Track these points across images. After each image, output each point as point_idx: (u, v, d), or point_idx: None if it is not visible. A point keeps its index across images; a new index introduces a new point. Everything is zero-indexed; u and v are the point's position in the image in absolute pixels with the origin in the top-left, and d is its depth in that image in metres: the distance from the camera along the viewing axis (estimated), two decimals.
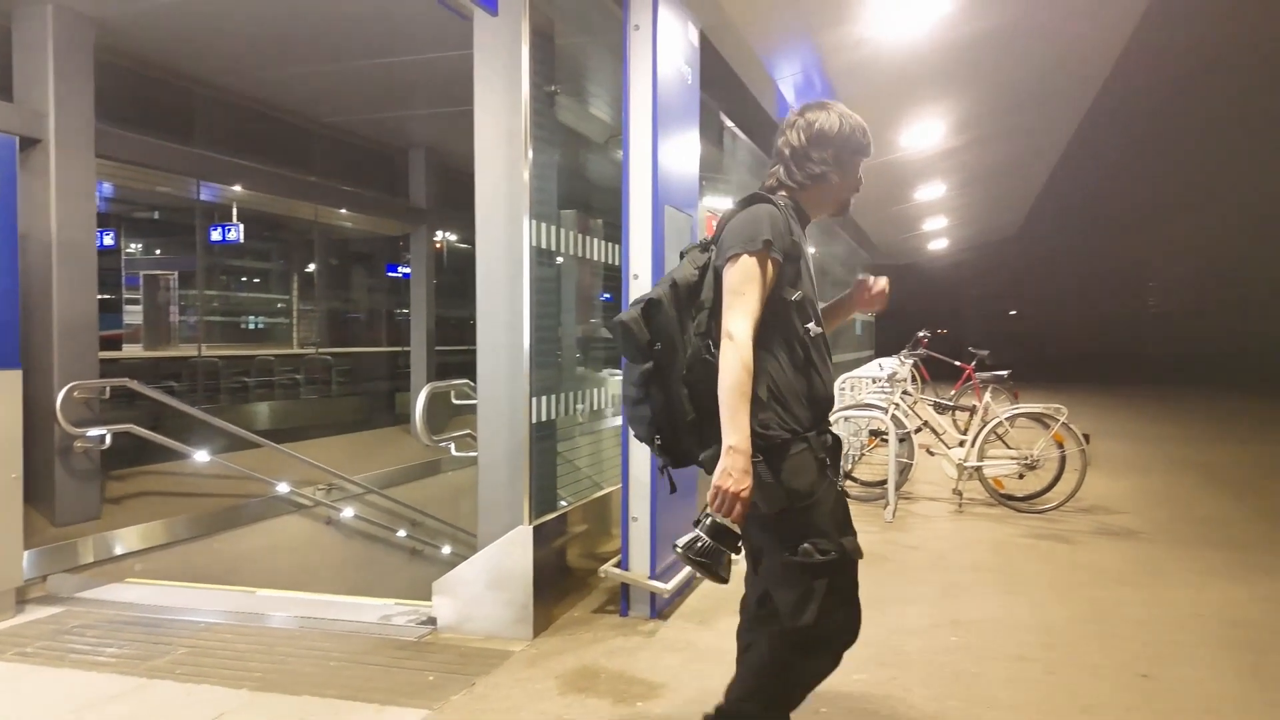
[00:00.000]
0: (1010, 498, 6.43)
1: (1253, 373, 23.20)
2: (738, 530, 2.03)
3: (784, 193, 2.34)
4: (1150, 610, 4.08)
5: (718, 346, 2.12)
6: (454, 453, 4.52)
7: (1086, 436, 6.14)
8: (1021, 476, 6.44)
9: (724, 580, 2.06)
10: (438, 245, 11.91)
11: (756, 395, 2.11)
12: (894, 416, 6.45)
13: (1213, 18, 29.58)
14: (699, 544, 2.01)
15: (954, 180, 12.26)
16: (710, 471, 2.13)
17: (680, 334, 2.20)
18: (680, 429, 2.24)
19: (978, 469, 6.45)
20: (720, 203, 7.92)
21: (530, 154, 3.76)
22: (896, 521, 6.08)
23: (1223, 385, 20.48)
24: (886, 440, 6.45)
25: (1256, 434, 11.69)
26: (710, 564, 2.01)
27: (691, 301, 2.21)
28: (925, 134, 9.36)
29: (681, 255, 2.35)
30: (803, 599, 2.18)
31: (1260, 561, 4.99)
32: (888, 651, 3.57)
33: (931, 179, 11.91)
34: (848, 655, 3.26)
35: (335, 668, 3.50)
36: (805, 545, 2.15)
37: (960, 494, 6.71)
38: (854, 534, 2.26)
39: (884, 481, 6.56)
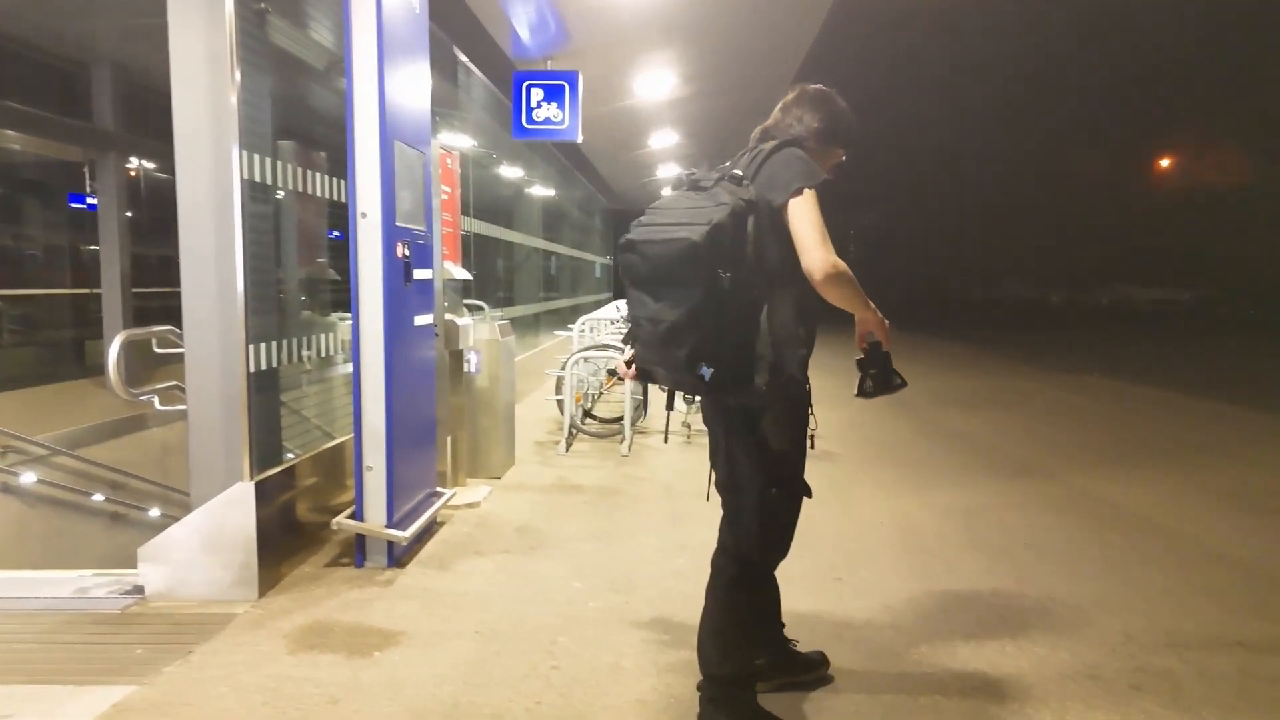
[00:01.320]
0: None
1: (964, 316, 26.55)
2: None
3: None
4: (841, 523, 4.63)
5: (764, 280, 2.21)
6: (159, 407, 4.08)
7: None
8: None
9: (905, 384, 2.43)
10: (132, 174, 10.53)
11: (798, 334, 2.27)
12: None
13: None
14: (893, 378, 2.42)
15: (685, 130, 12.77)
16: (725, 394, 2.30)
17: (738, 260, 2.17)
18: (734, 358, 2.21)
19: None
20: (456, 140, 7.70)
21: (238, 77, 3.42)
22: (632, 456, 6.38)
23: (958, 329, 23.37)
24: (623, 379, 6.71)
25: (966, 368, 13.49)
26: (900, 381, 2.42)
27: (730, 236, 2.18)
28: (657, 82, 9.65)
29: (685, 187, 2.35)
30: (767, 524, 2.41)
31: (926, 478, 5.82)
32: (621, 578, 3.77)
33: (663, 127, 12.33)
34: (583, 583, 3.39)
35: (22, 651, 3.09)
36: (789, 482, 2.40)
37: (689, 426, 7.16)
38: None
39: (621, 418, 6.85)
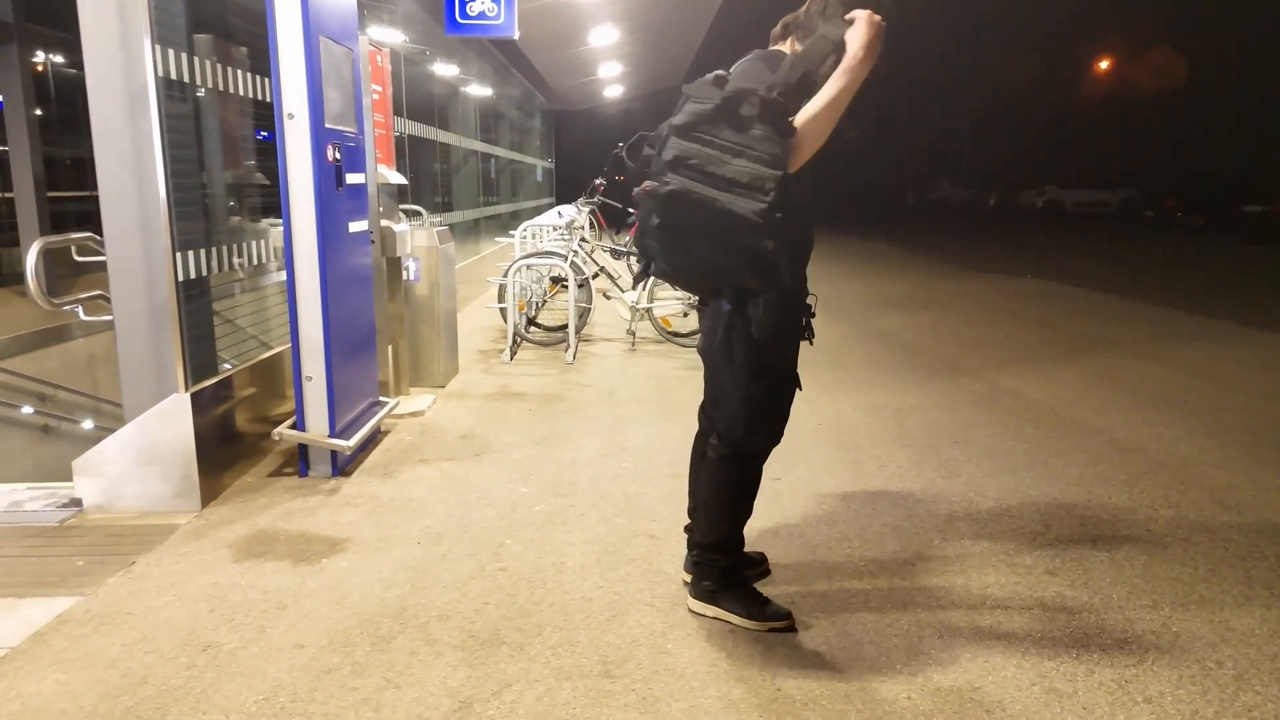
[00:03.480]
0: (676, 335, 7.03)
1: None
2: None
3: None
4: None
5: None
6: (84, 317, 3.94)
7: None
8: (686, 315, 7.03)
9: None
10: (38, 68, 9.85)
11: (793, 236, 2.27)
12: (573, 263, 6.66)
13: None
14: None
15: (624, 26, 12.38)
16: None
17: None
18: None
19: (648, 310, 6.93)
20: (386, 35, 7.35)
21: None
22: (576, 363, 6.41)
23: (900, 232, 23.55)
24: (567, 286, 6.69)
25: (898, 271, 13.69)
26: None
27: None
28: None
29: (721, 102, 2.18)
30: (756, 414, 2.51)
31: (860, 379, 5.98)
32: (565, 482, 3.85)
33: (603, 22, 11.93)
34: (528, 487, 3.46)
35: None
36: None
37: (633, 334, 7.20)
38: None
39: (565, 326, 6.85)
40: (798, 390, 2.60)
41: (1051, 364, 6.46)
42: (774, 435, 2.61)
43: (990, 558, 3.11)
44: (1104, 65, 39.46)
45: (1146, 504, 3.64)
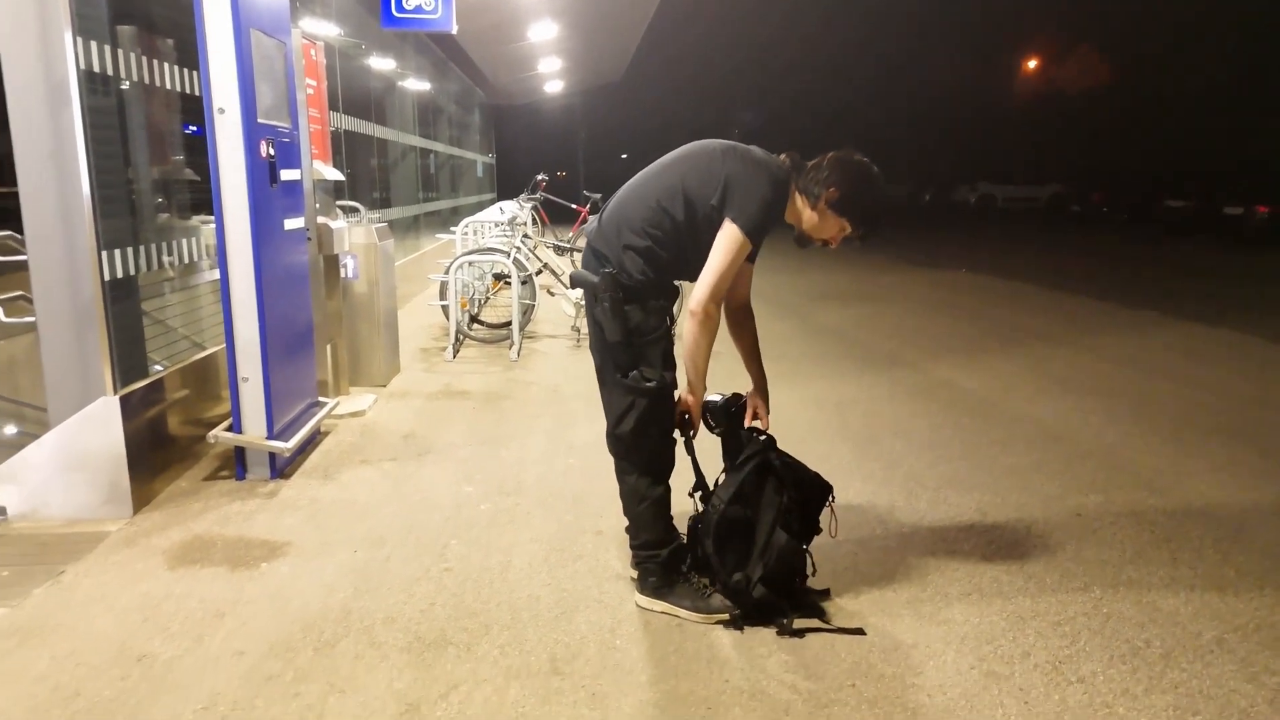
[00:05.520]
0: None
1: None
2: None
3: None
4: None
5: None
6: (3, 318, 3.78)
7: None
8: None
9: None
10: None
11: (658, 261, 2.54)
12: (516, 260, 6.61)
13: None
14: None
15: (563, 22, 12.32)
16: None
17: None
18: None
19: None
20: (319, 27, 7.20)
21: None
22: (521, 360, 6.37)
23: None
24: (510, 283, 6.63)
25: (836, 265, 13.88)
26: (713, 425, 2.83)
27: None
28: None
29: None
30: (625, 412, 2.58)
31: (801, 372, 6.07)
32: (510, 481, 3.82)
33: (542, 18, 11.85)
34: (473, 487, 3.42)
35: None
36: (634, 372, 2.53)
37: (578, 330, 7.18)
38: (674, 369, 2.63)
39: (509, 323, 6.80)
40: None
41: (985, 355, 6.63)
42: (653, 449, 2.68)
43: (929, 545, 3.19)
44: (1032, 64, 40.60)
45: (1076, 489, 3.77)
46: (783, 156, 2.59)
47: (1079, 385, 5.65)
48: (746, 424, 2.77)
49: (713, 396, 2.76)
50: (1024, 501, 3.63)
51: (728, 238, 2.44)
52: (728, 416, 2.76)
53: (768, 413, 2.82)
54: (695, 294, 2.46)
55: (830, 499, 2.74)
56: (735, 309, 2.80)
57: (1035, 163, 34.94)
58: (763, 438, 2.71)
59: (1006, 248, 17.11)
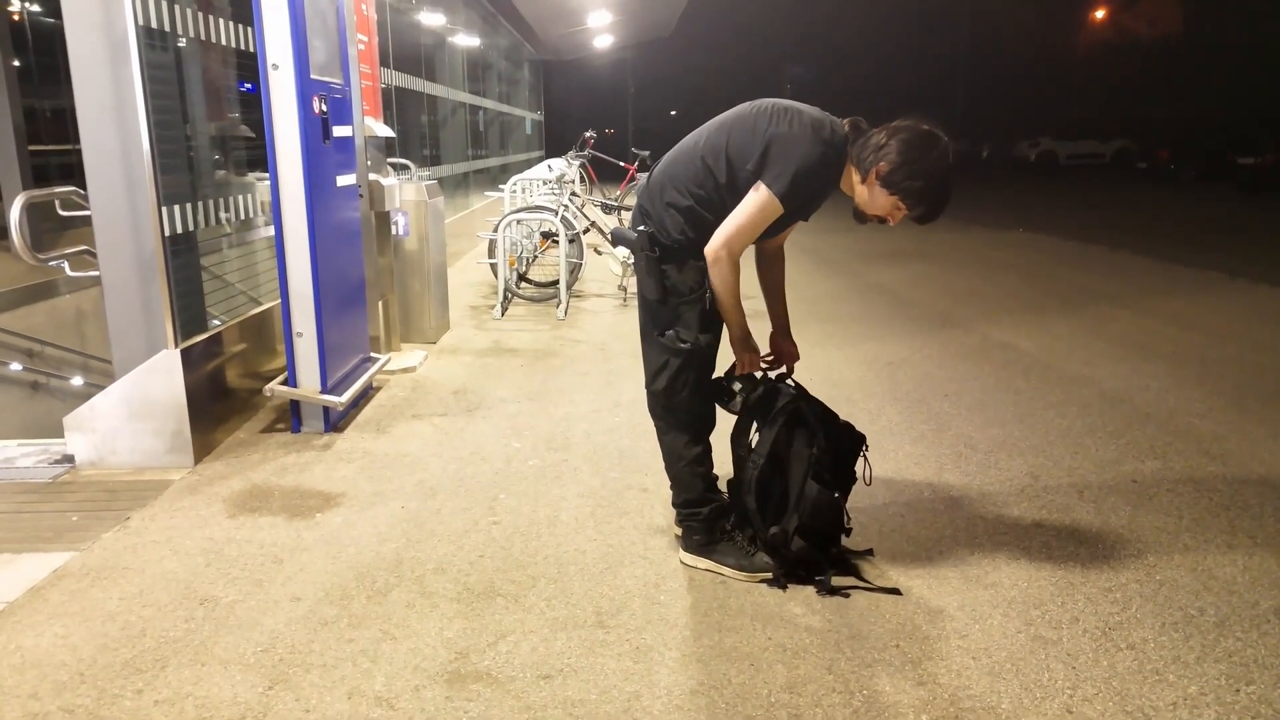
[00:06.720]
0: None
1: None
2: None
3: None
4: None
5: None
6: (70, 273, 3.90)
7: None
8: None
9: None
10: (15, 16, 9.61)
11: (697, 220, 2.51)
12: (564, 218, 6.61)
13: None
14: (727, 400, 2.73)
15: None
16: None
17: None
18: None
19: None
20: None
21: None
22: (568, 319, 6.39)
23: None
24: (558, 241, 6.64)
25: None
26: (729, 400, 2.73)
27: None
28: None
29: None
30: (659, 370, 2.61)
31: (851, 332, 5.99)
32: (558, 437, 3.86)
33: None
34: (521, 442, 3.46)
35: None
36: (670, 332, 2.55)
37: (625, 289, 7.17)
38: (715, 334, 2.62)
39: (556, 282, 6.82)
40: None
41: (1038, 315, 6.47)
42: (698, 408, 2.68)
43: (978, 509, 3.15)
44: (1099, 14, 38.88)
45: (1133, 455, 3.69)
46: (845, 121, 2.46)
47: (1141, 348, 5.49)
48: (773, 374, 2.75)
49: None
50: (1077, 466, 3.56)
51: (757, 196, 2.38)
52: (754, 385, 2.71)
53: (796, 356, 2.83)
54: (712, 239, 2.43)
55: (864, 449, 2.70)
56: (767, 251, 2.77)
57: (1100, 117, 33.62)
58: (792, 388, 2.68)
59: (1067, 205, 16.57)
